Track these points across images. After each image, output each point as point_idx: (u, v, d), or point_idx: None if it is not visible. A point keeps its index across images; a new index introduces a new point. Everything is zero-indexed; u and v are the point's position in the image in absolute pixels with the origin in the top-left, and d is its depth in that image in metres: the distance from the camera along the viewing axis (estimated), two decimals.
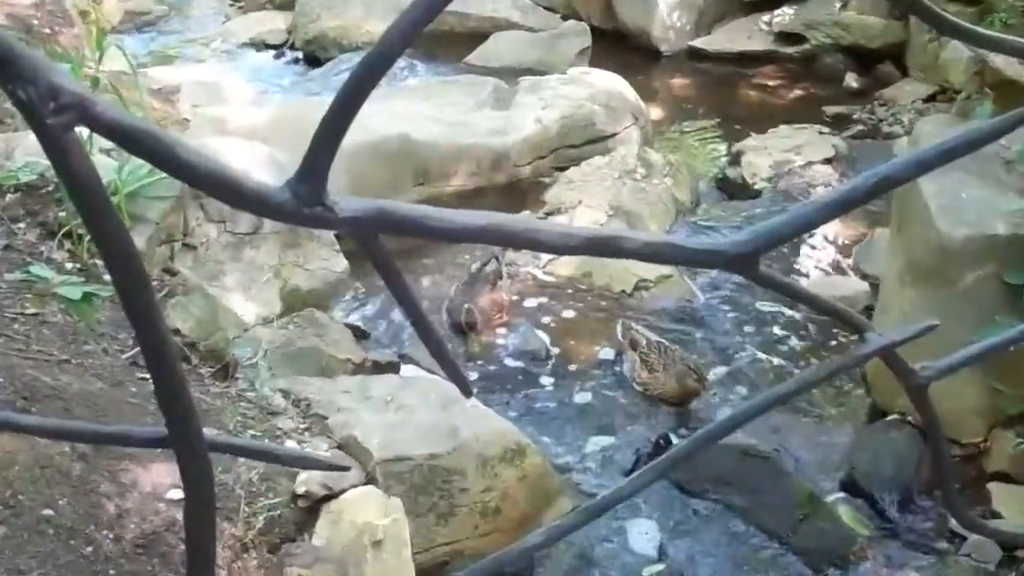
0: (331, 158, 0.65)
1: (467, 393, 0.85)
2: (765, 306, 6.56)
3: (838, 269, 6.93)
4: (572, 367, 6.06)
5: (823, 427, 5.62)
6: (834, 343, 6.22)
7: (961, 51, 8.39)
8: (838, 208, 0.80)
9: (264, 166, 5.95)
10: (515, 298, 6.58)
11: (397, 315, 6.29)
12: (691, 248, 0.74)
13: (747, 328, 6.41)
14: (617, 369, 5.99)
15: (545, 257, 6.84)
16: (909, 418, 5.35)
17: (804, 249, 7.08)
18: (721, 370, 6.01)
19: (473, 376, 5.89)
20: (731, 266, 0.75)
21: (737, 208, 7.71)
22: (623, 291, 6.65)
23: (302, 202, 0.64)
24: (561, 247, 0.70)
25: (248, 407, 4.42)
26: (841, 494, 5.13)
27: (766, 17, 10.40)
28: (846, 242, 7.18)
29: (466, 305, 6.11)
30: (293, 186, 0.65)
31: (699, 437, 0.89)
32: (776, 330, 6.38)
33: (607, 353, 6.12)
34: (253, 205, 0.64)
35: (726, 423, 0.90)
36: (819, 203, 0.80)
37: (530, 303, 6.59)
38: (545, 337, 6.28)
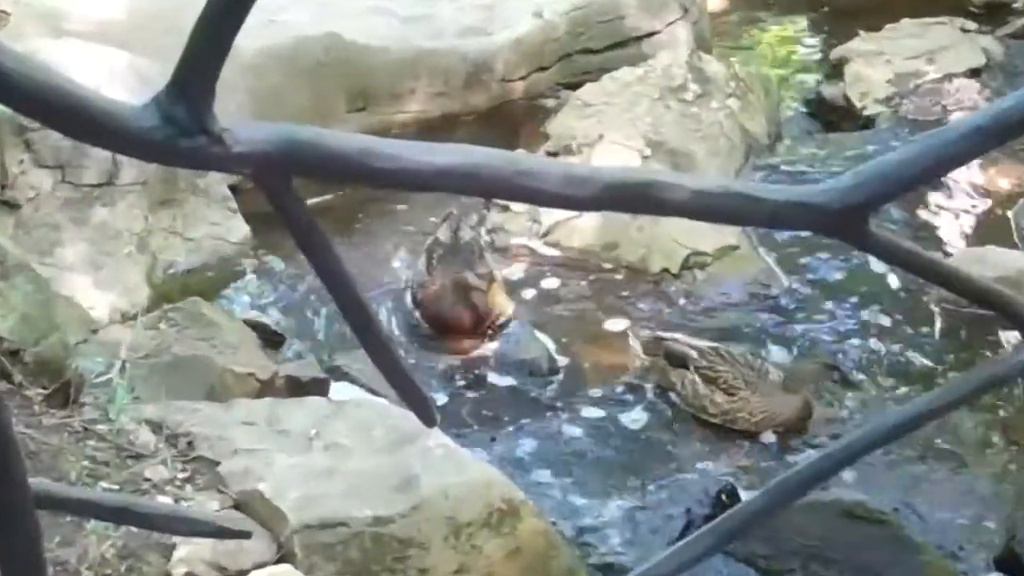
0: (218, 66, 0.65)
1: (430, 421, 0.85)
2: (884, 290, 6.56)
3: (991, 235, 6.93)
4: (589, 387, 6.06)
5: (968, 474, 5.62)
6: (985, 346, 6.22)
7: None
8: (987, 138, 0.79)
9: (122, 81, 5.92)
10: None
11: (326, 306, 6.27)
12: (769, 200, 0.74)
13: (854, 326, 6.41)
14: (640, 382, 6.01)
15: (547, 219, 6.82)
16: None
17: (937, 203, 7.07)
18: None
19: (440, 398, 5.89)
20: (829, 226, 0.74)
21: (838, 144, 7.70)
22: (665, 270, 6.64)
23: (177, 130, 0.64)
24: (570, 198, 0.69)
25: (99, 447, 4.41)
26: (996, 575, 5.15)
27: None
28: (1002, 194, 7.18)
29: (465, 275, 6.11)
30: (164, 106, 0.64)
31: (780, 488, 0.89)
32: (898, 327, 6.38)
33: (639, 364, 6.12)
34: (105, 135, 0.63)
35: (820, 466, 0.90)
36: (958, 132, 0.80)
37: (526, 291, 6.58)
38: (548, 341, 6.27)
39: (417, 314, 6.33)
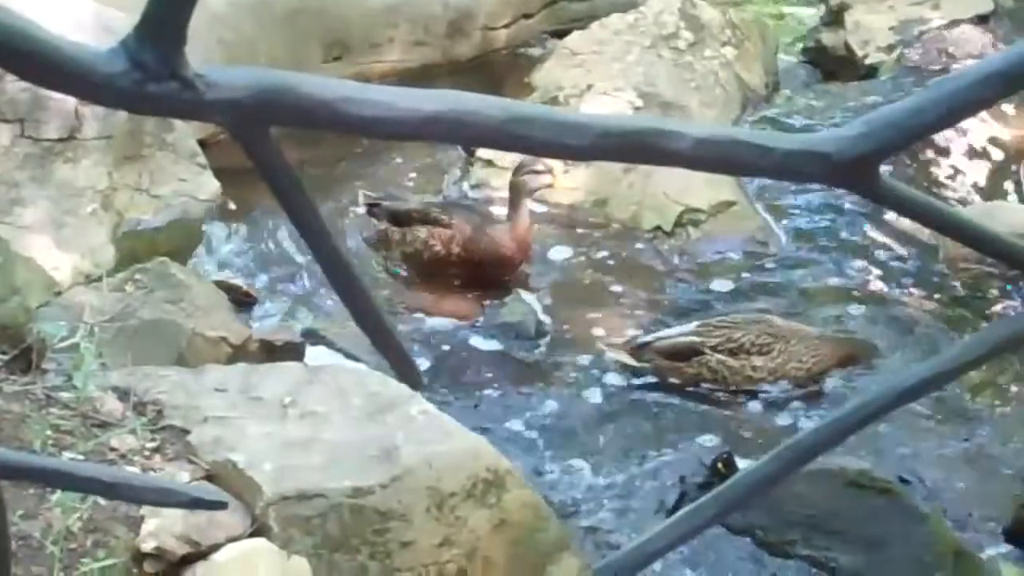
0: (190, 5, 0.64)
1: (415, 383, 0.85)
2: (887, 247, 6.56)
3: (1004, 188, 6.93)
4: (578, 351, 6.06)
5: (977, 442, 5.64)
6: (1000, 303, 6.22)
7: None
8: (1003, 85, 0.79)
9: (89, 33, 5.89)
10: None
11: (302, 266, 6.27)
12: (774, 149, 0.73)
13: (858, 284, 6.41)
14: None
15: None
16: None
17: (948, 154, 7.07)
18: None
19: (423, 364, 5.90)
20: (838, 176, 0.74)
21: (839, 95, 7.69)
22: (658, 228, 6.64)
23: (146, 74, 0.63)
24: (565, 147, 0.68)
25: (63, 414, 4.40)
26: (1005, 546, 5.16)
27: None
28: (1013, 147, 7.18)
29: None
30: (132, 50, 0.63)
31: (786, 454, 0.88)
32: (905, 284, 6.38)
33: (633, 327, 6.12)
34: (69, 80, 0.63)
35: (825, 433, 0.89)
36: (972, 78, 0.80)
37: None
38: (535, 303, 6.27)
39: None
